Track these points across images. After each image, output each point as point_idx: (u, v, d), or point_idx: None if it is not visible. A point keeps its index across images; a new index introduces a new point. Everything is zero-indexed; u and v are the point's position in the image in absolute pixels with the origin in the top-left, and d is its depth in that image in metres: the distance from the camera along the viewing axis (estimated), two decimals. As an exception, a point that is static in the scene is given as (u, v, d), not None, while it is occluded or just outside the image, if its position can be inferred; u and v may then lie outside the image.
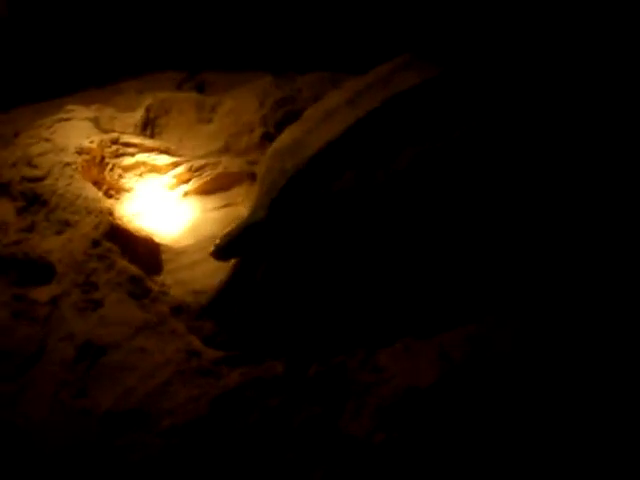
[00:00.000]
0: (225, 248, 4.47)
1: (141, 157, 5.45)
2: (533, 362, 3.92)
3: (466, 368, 3.92)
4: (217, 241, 4.47)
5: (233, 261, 4.60)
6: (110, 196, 5.28)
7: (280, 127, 5.32)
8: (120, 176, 5.36)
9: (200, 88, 6.43)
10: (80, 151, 5.22)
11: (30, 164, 5.13)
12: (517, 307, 4.21)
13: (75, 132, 5.39)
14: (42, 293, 4.42)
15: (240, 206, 5.28)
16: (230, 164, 5.47)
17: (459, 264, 4.41)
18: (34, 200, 4.94)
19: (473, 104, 4.52)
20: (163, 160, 5.49)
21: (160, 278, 4.79)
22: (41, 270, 4.54)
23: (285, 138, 4.74)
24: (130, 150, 5.46)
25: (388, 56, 4.93)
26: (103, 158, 5.34)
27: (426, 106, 4.48)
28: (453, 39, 5.03)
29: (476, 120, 4.46)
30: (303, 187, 4.39)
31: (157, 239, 5.03)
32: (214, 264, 4.64)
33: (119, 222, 4.85)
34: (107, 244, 4.64)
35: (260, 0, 6.73)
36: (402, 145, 4.41)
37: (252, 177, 5.30)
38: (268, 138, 5.49)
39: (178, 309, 4.49)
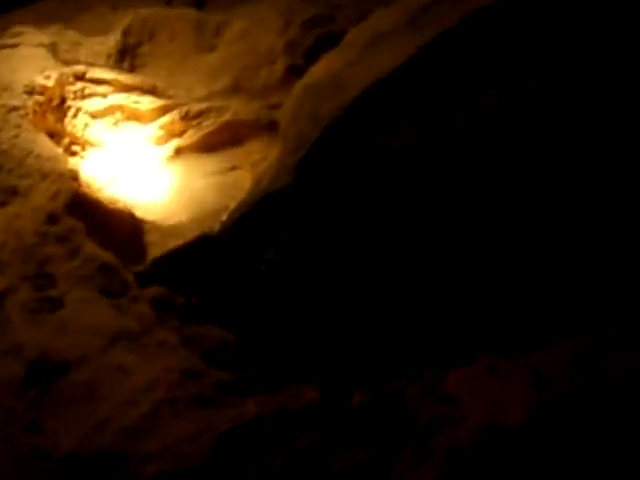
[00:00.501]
0: (234, 227, 4.46)
1: (116, 99, 5.52)
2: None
3: (572, 400, 3.82)
4: (223, 217, 4.46)
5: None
6: (73, 153, 5.34)
7: (312, 57, 5.33)
8: (87, 125, 5.43)
9: (199, 2, 6.48)
10: (31, 90, 5.25)
11: (-37, 109, 5.08)
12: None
13: (25, 64, 5.43)
14: (-20, 288, 4.26)
15: (255, 169, 5.29)
16: (241, 109, 5.51)
17: (565, 253, 4.32)
18: (-32, 159, 4.86)
19: (580, 25, 4.49)
20: (147, 103, 5.56)
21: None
22: (-23, 256, 4.41)
23: (319, 72, 4.73)
24: (101, 89, 5.52)
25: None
26: (63, 100, 5.40)
27: (519, 28, 4.43)
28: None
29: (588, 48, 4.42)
30: (344, 142, 4.35)
31: (139, 214, 5.07)
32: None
33: (86, 190, 4.84)
34: (69, 220, 4.62)
35: None
36: (485, 84, 4.37)
37: (272, 127, 5.29)
38: (295, 72, 5.48)
39: (168, 312, 4.49)
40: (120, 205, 4.95)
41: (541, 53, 4.42)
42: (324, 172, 4.40)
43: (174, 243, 4.92)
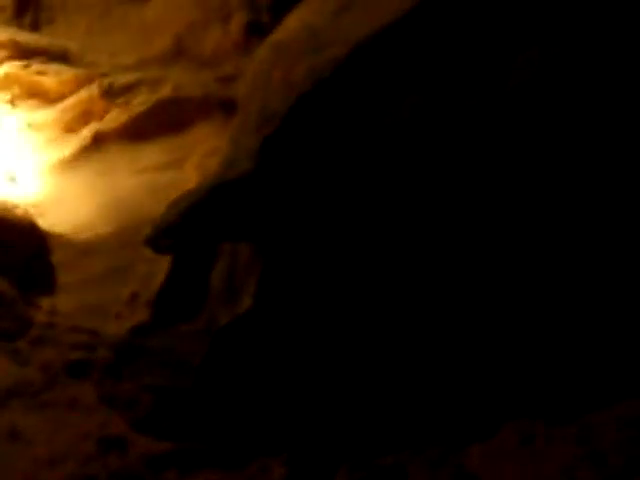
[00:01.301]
0: (173, 228, 4.46)
1: (13, 68, 5.57)
2: None
3: None
4: (160, 216, 4.47)
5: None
6: None
7: (280, 11, 5.33)
8: None
9: None
10: None
11: None
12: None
13: None
14: None
15: (204, 164, 5.28)
16: (185, 82, 5.55)
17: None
18: None
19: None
20: (56, 74, 5.59)
21: (49, 300, 4.90)
22: None
23: (291, 26, 4.82)
24: None
25: None
26: None
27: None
28: None
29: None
30: (327, 113, 4.43)
31: (44, 224, 5.10)
32: (155, 269, 4.78)
33: None
34: None
35: None
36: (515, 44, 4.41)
37: (227, 107, 5.31)
38: (258, 32, 5.51)
39: (82, 361, 4.56)
40: (18, 212, 5.01)
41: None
42: (298, 155, 4.39)
43: (92, 264, 5.07)
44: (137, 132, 5.48)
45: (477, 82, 4.51)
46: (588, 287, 4.67)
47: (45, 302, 4.92)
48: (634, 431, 4.17)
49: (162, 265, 4.80)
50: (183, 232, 4.55)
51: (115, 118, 5.50)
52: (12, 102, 5.48)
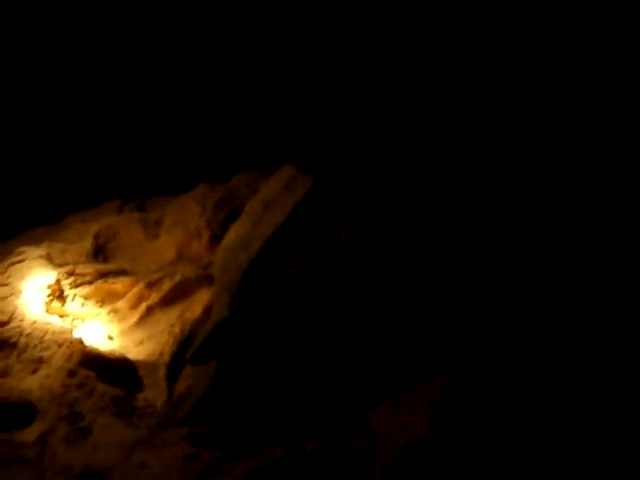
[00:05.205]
0: (199, 351, 4.61)
1: (98, 282, 5.86)
2: (512, 405, 4.11)
3: (452, 416, 4.05)
4: (192, 347, 4.60)
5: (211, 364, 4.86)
6: (77, 325, 5.53)
7: (225, 226, 5.71)
8: (83, 304, 5.73)
9: (141, 207, 6.96)
10: (39, 289, 5.61)
11: (-7, 312, 5.98)
12: (493, 346, 4.41)
13: (31, 272, 5.83)
14: (28, 434, 4.55)
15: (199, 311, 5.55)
16: (185, 271, 5.88)
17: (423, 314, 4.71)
18: (2, 345, 5.24)
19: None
20: (121, 281, 5.87)
21: (142, 394, 5.04)
22: (23, 412, 4.62)
23: (232, 236, 5.22)
24: (87, 278, 5.86)
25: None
26: (62, 291, 5.76)
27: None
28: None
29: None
30: (259, 278, 4.55)
31: (131, 357, 5.33)
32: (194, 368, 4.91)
33: (91, 349, 5.23)
34: (83, 372, 4.92)
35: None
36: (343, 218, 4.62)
37: (209, 280, 5.55)
38: (216, 239, 5.90)
39: (167, 420, 4.65)
40: (117, 354, 5.31)
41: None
42: (251, 302, 4.55)
43: (161, 372, 5.11)
44: (168, 301, 5.65)
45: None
46: None
47: (140, 396, 4.97)
48: (451, 389, 4.16)
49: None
50: (205, 351, 4.82)
51: (155, 297, 5.70)
52: (102, 301, 5.64)
